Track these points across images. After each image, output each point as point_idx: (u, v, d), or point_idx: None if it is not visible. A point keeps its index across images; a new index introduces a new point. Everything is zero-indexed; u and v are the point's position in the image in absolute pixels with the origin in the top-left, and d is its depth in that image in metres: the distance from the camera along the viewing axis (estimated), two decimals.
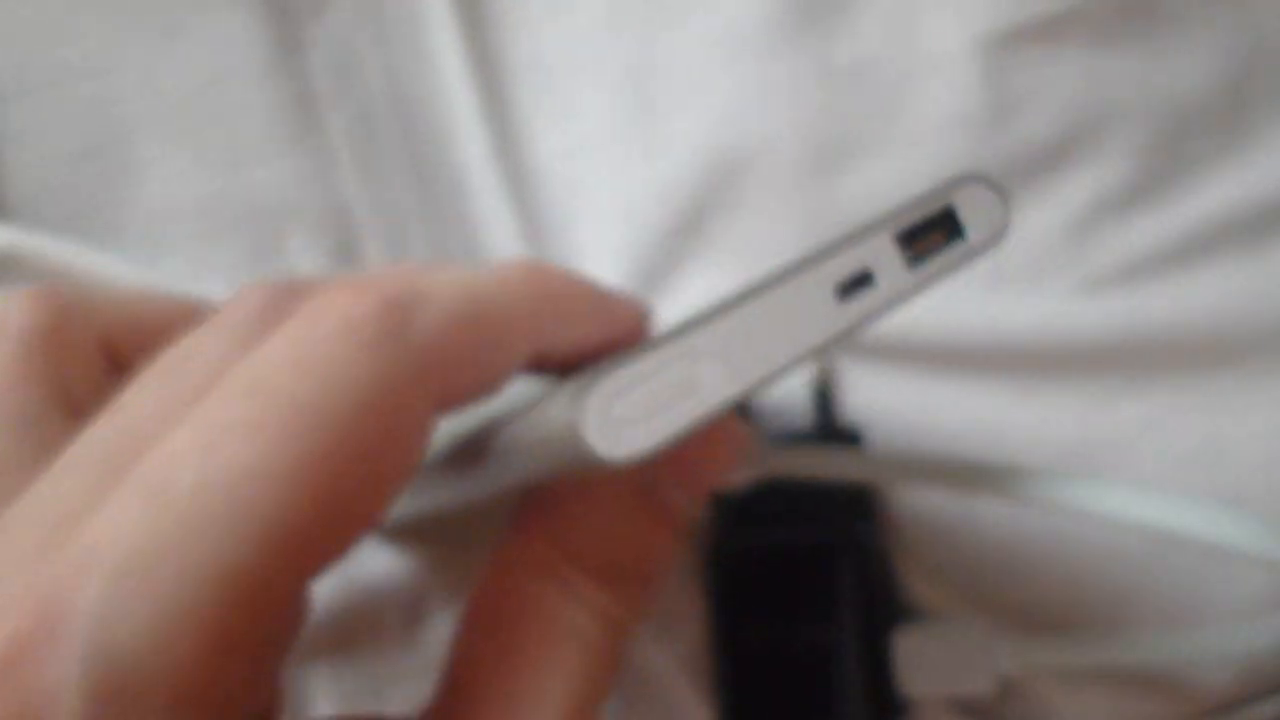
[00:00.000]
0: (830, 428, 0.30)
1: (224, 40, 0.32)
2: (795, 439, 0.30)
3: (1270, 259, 0.31)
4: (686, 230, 0.32)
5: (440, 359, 0.17)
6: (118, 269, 0.31)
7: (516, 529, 0.20)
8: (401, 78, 0.33)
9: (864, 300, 0.18)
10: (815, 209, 0.32)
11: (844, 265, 0.18)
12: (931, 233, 0.19)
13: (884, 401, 0.30)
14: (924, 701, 0.29)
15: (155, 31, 0.32)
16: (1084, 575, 0.30)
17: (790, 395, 0.31)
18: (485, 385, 0.18)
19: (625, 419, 0.16)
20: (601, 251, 0.32)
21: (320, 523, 0.15)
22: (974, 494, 0.29)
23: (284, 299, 0.18)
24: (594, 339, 0.20)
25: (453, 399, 0.18)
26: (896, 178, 0.32)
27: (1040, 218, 0.32)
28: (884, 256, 0.18)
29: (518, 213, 0.32)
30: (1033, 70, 0.32)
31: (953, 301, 0.30)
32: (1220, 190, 0.31)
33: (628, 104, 0.33)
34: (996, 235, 0.19)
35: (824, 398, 0.30)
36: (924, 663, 0.29)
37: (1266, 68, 0.32)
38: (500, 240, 0.32)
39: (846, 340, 0.18)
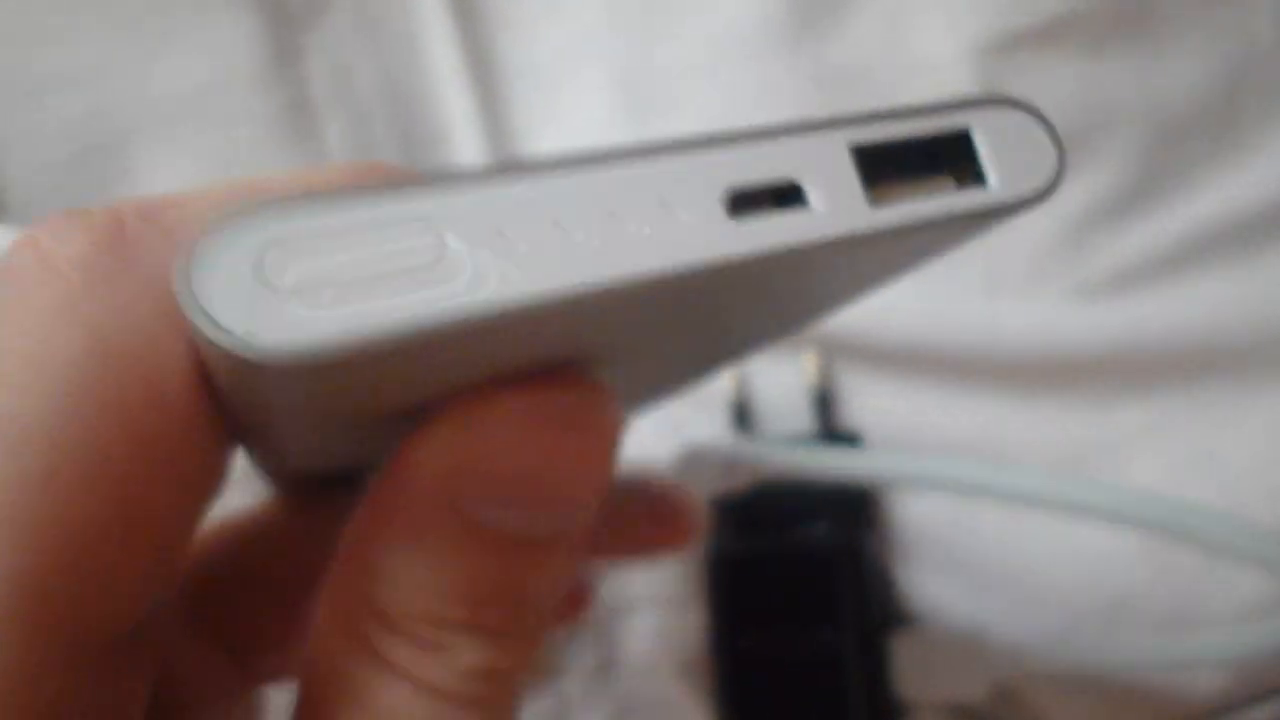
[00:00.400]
0: (830, 432, 0.30)
1: (221, 46, 0.32)
2: (794, 441, 0.30)
3: (1264, 265, 0.31)
4: None
5: None
6: None
7: (327, 583, 0.16)
8: (397, 83, 0.33)
9: (771, 225, 0.12)
10: None
11: (754, 163, 0.13)
12: (925, 163, 0.13)
13: (883, 407, 0.31)
14: (921, 705, 0.29)
15: (152, 38, 0.32)
16: (1080, 582, 0.30)
17: (789, 398, 0.31)
18: None
19: (300, 288, 0.11)
20: None
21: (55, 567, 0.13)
22: (969, 495, 0.29)
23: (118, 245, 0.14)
24: None
25: None
26: None
27: (1035, 224, 0.32)
28: (831, 171, 0.13)
29: None
30: (1026, 75, 0.32)
31: (951, 307, 0.31)
32: (1214, 195, 0.32)
33: (623, 105, 0.33)
34: (1036, 191, 0.13)
35: (824, 403, 0.30)
36: (921, 667, 0.29)
37: (1260, 73, 0.32)
38: None
39: (736, 280, 0.13)
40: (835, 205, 0.13)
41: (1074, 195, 0.32)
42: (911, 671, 0.29)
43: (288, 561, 0.21)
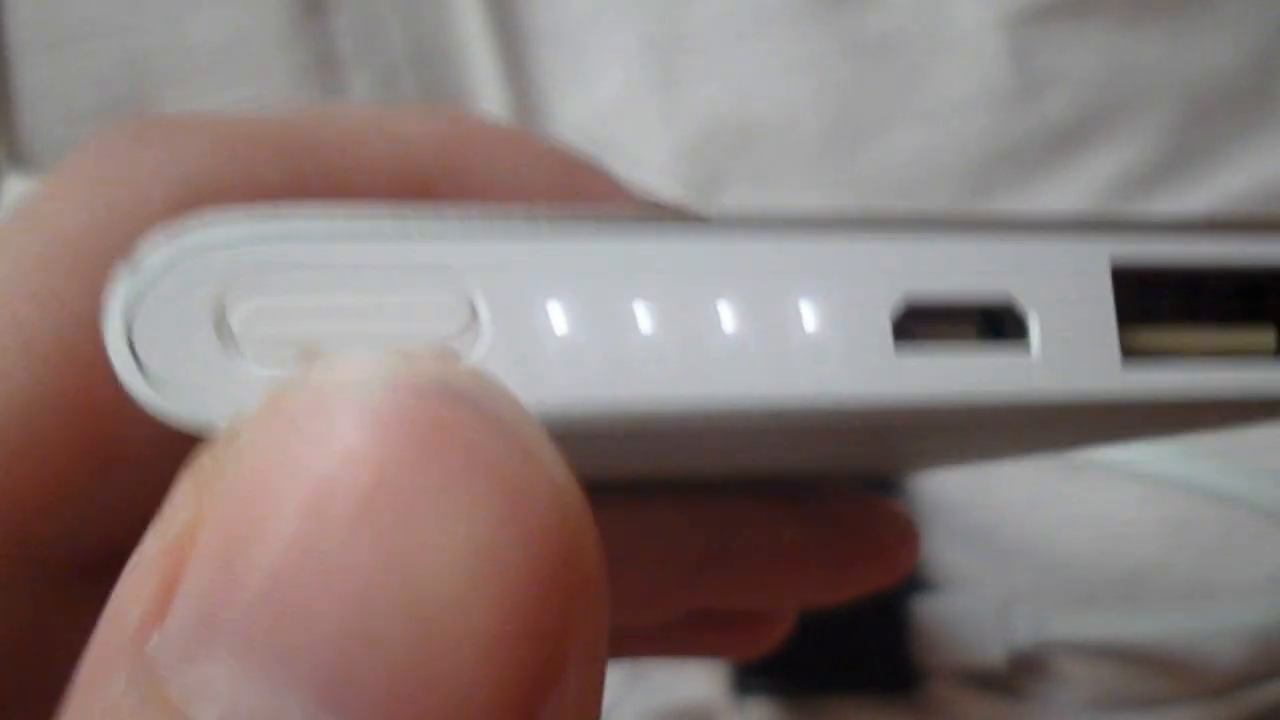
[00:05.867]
0: None
1: (249, 1, 0.32)
2: None
3: None
4: (705, 201, 0.32)
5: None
6: None
7: None
8: (424, 40, 0.33)
9: (956, 365, 0.09)
10: (836, 182, 0.32)
11: (946, 265, 0.09)
12: (1226, 305, 0.09)
13: None
14: (937, 672, 0.29)
15: None
16: (1100, 551, 0.30)
17: None
18: None
19: (264, 342, 0.08)
20: None
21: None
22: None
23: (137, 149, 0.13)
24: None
25: None
26: (919, 154, 0.32)
27: (1063, 197, 0.32)
28: (1072, 296, 0.09)
29: None
30: (1059, 48, 0.32)
31: None
32: (1245, 171, 0.31)
33: (649, 72, 0.33)
34: None
35: None
36: (939, 634, 0.29)
37: None
38: None
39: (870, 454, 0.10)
40: (1066, 351, 0.09)
41: (1103, 168, 0.32)
42: (929, 638, 0.29)
43: None
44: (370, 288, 0.08)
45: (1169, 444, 0.27)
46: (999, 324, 0.09)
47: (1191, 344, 0.09)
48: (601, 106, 0.33)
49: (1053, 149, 0.32)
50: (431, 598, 0.07)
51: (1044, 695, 0.29)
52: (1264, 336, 0.09)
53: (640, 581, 0.18)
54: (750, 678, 0.29)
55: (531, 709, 0.07)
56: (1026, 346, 0.09)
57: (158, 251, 0.08)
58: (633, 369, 0.08)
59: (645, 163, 0.32)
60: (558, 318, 0.08)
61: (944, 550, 0.30)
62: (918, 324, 0.08)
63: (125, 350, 0.08)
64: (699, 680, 0.30)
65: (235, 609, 0.07)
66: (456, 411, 0.07)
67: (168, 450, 0.12)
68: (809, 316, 0.08)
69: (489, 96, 0.33)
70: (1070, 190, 0.32)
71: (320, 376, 0.07)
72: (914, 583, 0.30)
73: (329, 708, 0.06)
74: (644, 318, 0.08)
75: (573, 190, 0.15)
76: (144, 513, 0.12)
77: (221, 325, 0.08)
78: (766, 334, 0.08)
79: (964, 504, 0.30)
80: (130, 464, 0.13)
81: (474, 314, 0.08)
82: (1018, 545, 0.30)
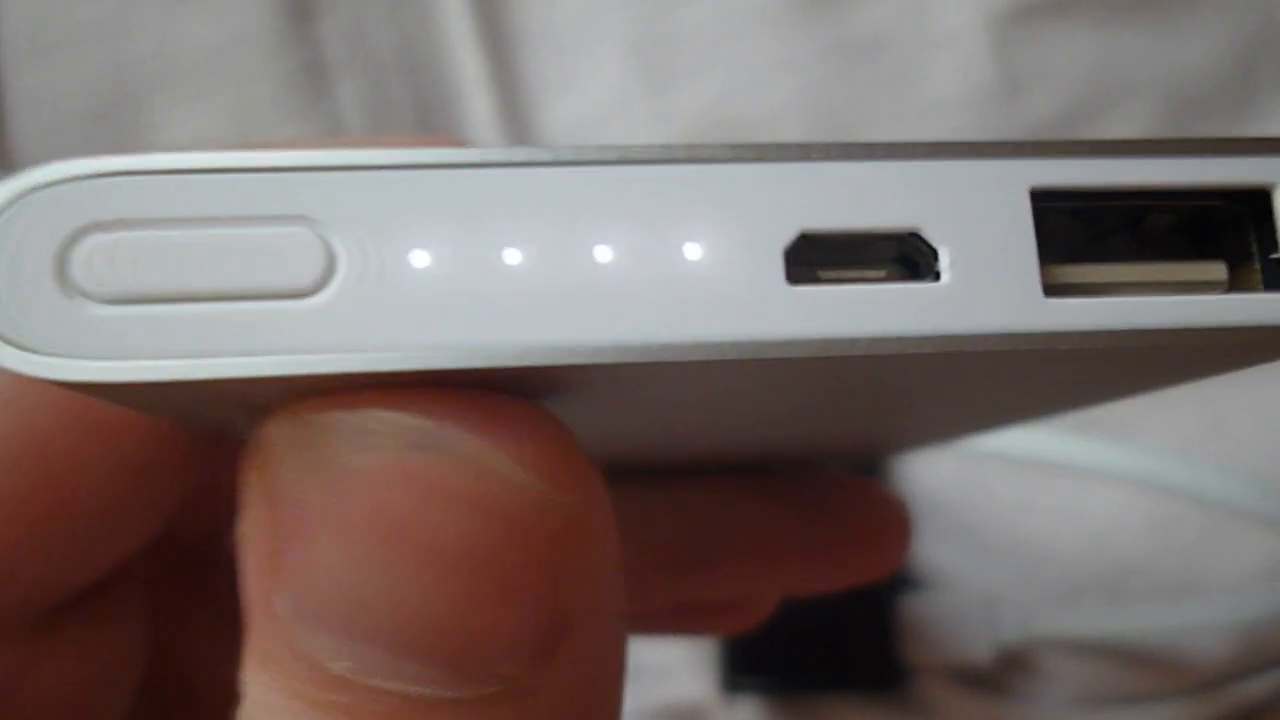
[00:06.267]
0: None
1: (239, 5, 0.32)
2: None
3: None
4: None
5: None
6: None
7: None
8: (412, 45, 0.33)
9: (855, 301, 0.08)
10: None
11: (846, 195, 0.08)
12: (1164, 235, 0.08)
13: None
14: (925, 670, 0.29)
15: None
16: (1085, 548, 0.30)
17: None
18: None
19: (116, 297, 0.08)
20: None
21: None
22: (983, 456, 0.29)
23: None
24: None
25: None
26: None
27: None
28: (984, 224, 0.08)
29: None
30: (1043, 48, 0.32)
31: None
32: None
33: (636, 75, 0.33)
34: None
35: None
36: (927, 631, 0.29)
37: (1276, 48, 0.32)
38: None
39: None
40: (981, 285, 0.08)
41: None
42: (917, 636, 0.29)
43: None
44: (218, 225, 0.08)
45: (1152, 445, 0.27)
46: (911, 261, 0.08)
47: (1124, 280, 0.08)
48: (589, 109, 0.33)
49: None
50: (468, 586, 0.08)
51: (1030, 692, 0.29)
52: (1212, 271, 0.08)
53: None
54: (740, 676, 0.30)
55: (551, 646, 0.09)
56: (936, 280, 0.08)
57: None
58: (499, 312, 0.08)
59: None
60: (421, 260, 0.08)
61: (931, 549, 0.30)
62: (821, 260, 0.08)
63: None
64: (689, 679, 0.30)
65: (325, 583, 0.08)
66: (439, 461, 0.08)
67: (118, 495, 0.13)
68: (694, 253, 0.08)
69: (476, 100, 0.33)
70: None
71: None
72: (902, 581, 0.30)
73: (399, 650, 0.08)
74: (514, 257, 0.08)
75: None
76: (98, 558, 0.13)
77: (63, 268, 0.08)
78: (648, 272, 0.08)
79: (951, 503, 0.30)
80: (78, 511, 0.13)
81: (330, 256, 0.08)
82: (1004, 544, 0.30)
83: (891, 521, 0.20)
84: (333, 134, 0.32)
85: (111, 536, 0.14)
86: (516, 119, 0.33)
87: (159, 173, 0.08)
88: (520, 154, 0.08)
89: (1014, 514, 0.30)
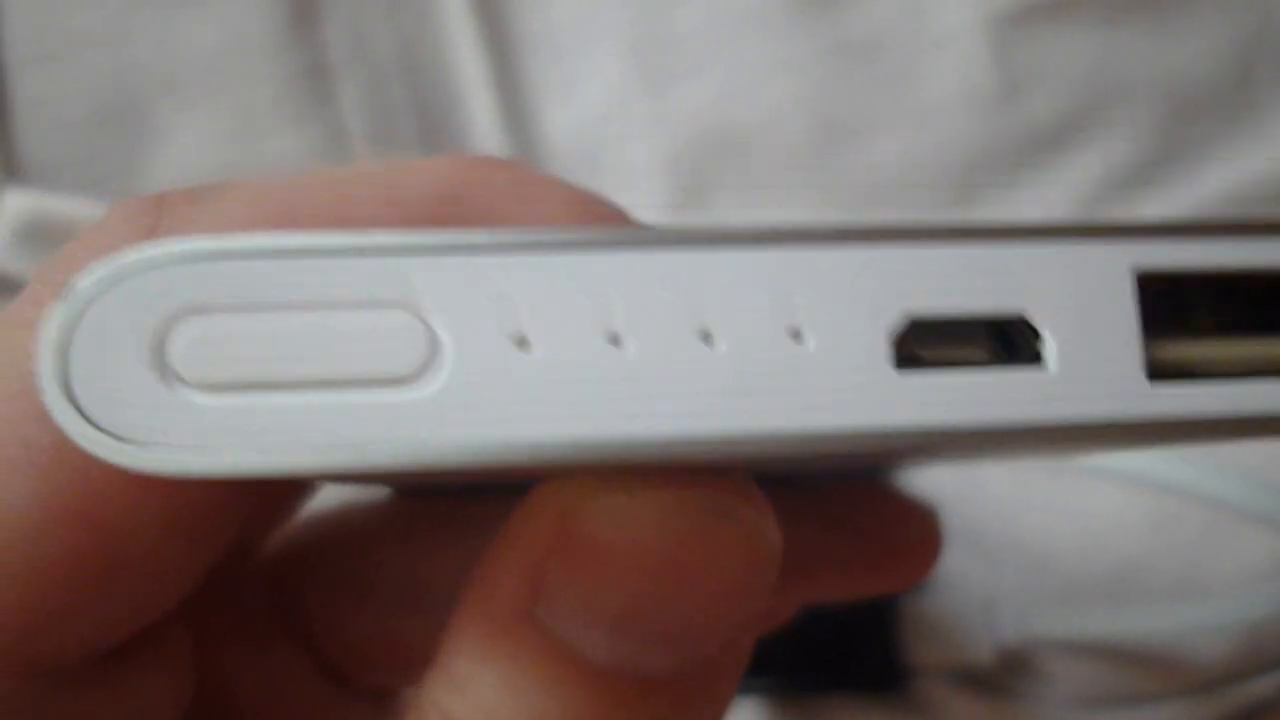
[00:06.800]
0: None
1: (240, 9, 0.32)
2: None
3: None
4: (691, 204, 0.32)
5: None
6: None
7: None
8: (413, 49, 0.33)
9: (962, 387, 0.08)
10: (823, 184, 0.32)
11: (947, 275, 0.08)
12: (1253, 315, 0.08)
13: None
14: (926, 670, 0.29)
15: (172, 1, 0.32)
16: (1085, 549, 0.30)
17: None
18: None
19: (212, 383, 0.08)
20: None
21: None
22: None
23: (148, 213, 0.13)
24: None
25: None
26: (905, 156, 0.32)
27: (1047, 196, 0.32)
28: (1088, 308, 0.08)
29: None
30: (1042, 49, 0.32)
31: None
32: (1229, 170, 0.32)
33: (636, 78, 0.33)
34: None
35: None
36: (928, 631, 0.29)
37: (1274, 47, 0.32)
38: None
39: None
40: (1085, 369, 0.08)
41: (1087, 168, 0.32)
42: (918, 636, 0.29)
43: (395, 574, 0.19)
44: (319, 310, 0.08)
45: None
46: (1012, 342, 0.08)
47: (1224, 356, 0.08)
48: (589, 112, 0.33)
49: (1037, 149, 0.32)
50: (709, 595, 0.11)
51: (1031, 693, 0.29)
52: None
53: None
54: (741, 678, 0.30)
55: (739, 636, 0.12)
56: (1042, 365, 0.08)
57: (92, 275, 0.08)
58: (597, 402, 0.08)
59: (633, 167, 0.33)
60: (526, 347, 0.08)
61: None
62: (923, 343, 0.08)
63: (59, 393, 0.08)
64: None
65: (608, 600, 0.11)
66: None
67: (171, 552, 0.13)
68: (800, 338, 0.08)
69: (477, 103, 0.33)
70: (1055, 190, 0.32)
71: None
72: None
73: (653, 644, 0.11)
74: (619, 342, 0.08)
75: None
76: (150, 609, 0.14)
77: (161, 353, 0.08)
78: (756, 358, 0.08)
79: (951, 503, 0.30)
80: (132, 568, 0.13)
81: (434, 341, 0.08)
82: (1004, 544, 0.30)
83: (921, 532, 0.20)
84: (334, 138, 0.32)
85: (163, 588, 0.14)
86: (517, 121, 0.33)
87: (256, 254, 0.08)
88: (623, 234, 0.08)
89: (1014, 514, 0.30)
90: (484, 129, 0.33)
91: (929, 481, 0.30)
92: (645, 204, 0.32)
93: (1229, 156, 0.32)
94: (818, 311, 0.08)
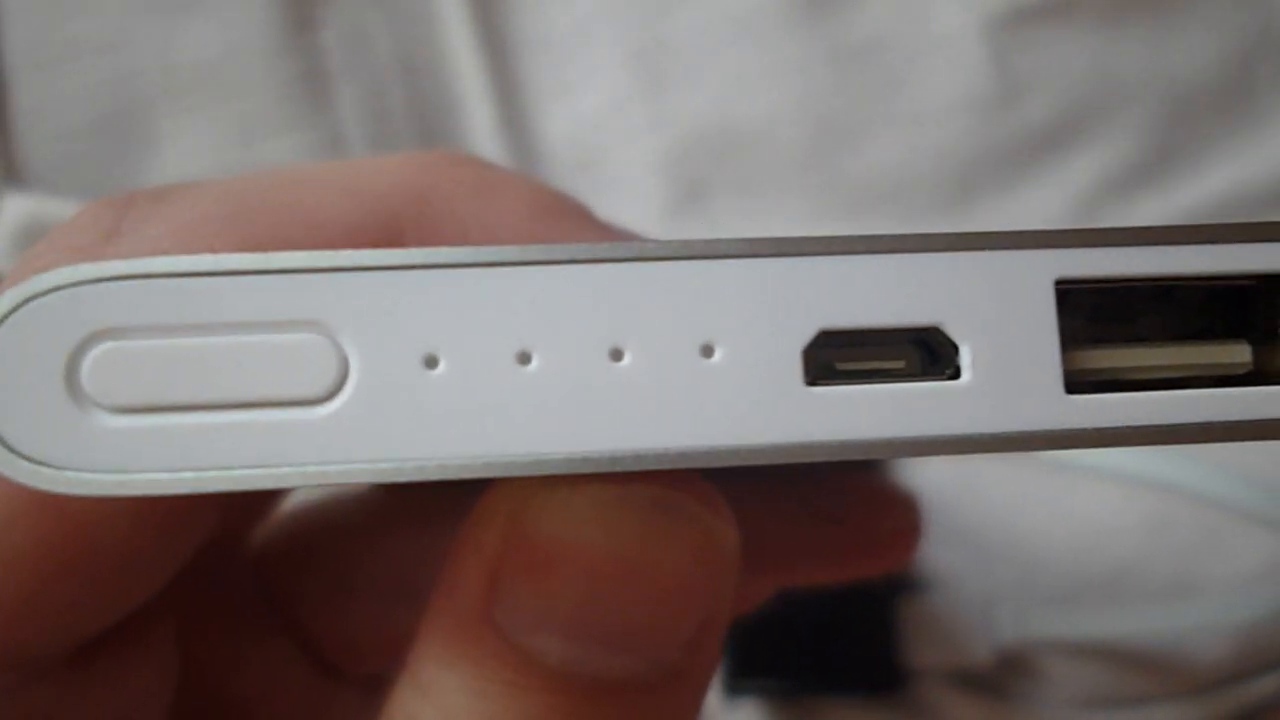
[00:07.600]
0: None
1: (239, 15, 0.32)
2: None
3: None
4: (690, 206, 0.32)
5: None
6: None
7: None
8: (411, 54, 0.33)
9: (873, 402, 0.08)
10: (820, 187, 0.32)
11: (864, 289, 0.08)
12: (1182, 320, 0.08)
13: None
14: (924, 672, 0.30)
15: (170, 7, 0.32)
16: (1083, 550, 0.30)
17: None
18: None
19: (127, 407, 0.08)
20: None
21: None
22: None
23: (115, 213, 0.13)
24: None
25: None
26: (903, 159, 0.32)
27: (1045, 198, 0.32)
28: (1008, 319, 0.08)
29: None
30: (1040, 51, 0.32)
31: None
32: (1227, 171, 0.32)
33: (634, 81, 0.33)
34: None
35: None
36: (926, 633, 0.29)
37: (1275, 49, 0.32)
38: None
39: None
40: (1002, 381, 0.07)
41: (1085, 171, 0.32)
42: (917, 638, 0.29)
43: (382, 564, 0.19)
44: (229, 331, 0.08)
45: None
46: (930, 349, 0.08)
47: (1147, 364, 0.08)
48: (587, 115, 0.33)
49: (1035, 152, 0.32)
50: (660, 594, 0.11)
51: (1029, 694, 0.29)
52: (1235, 353, 0.08)
53: None
54: (741, 680, 0.30)
55: (700, 639, 0.11)
56: (958, 377, 0.08)
57: (4, 301, 0.08)
58: (505, 420, 0.08)
59: (630, 171, 0.33)
60: (435, 366, 0.08)
61: (929, 550, 0.30)
62: (843, 355, 0.08)
63: None
64: None
65: (558, 602, 0.11)
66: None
67: (142, 544, 0.13)
68: (711, 353, 0.08)
69: (476, 107, 0.33)
70: (1053, 192, 0.32)
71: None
72: (900, 583, 0.30)
73: (607, 646, 0.11)
74: (529, 360, 0.08)
75: (549, 234, 0.14)
76: (124, 600, 0.14)
77: (73, 377, 0.08)
78: (665, 375, 0.08)
79: (948, 505, 0.30)
80: (104, 558, 0.13)
81: (344, 361, 0.08)
82: (1001, 545, 0.30)
83: (900, 519, 0.20)
84: (333, 143, 0.33)
85: (136, 580, 0.14)
86: (516, 124, 0.33)
87: (165, 276, 0.08)
88: (535, 252, 0.08)
89: (1011, 515, 0.30)
90: (482, 133, 0.33)
91: (928, 482, 0.30)
92: (643, 207, 0.32)
93: (1228, 158, 0.32)
94: (729, 326, 0.08)
